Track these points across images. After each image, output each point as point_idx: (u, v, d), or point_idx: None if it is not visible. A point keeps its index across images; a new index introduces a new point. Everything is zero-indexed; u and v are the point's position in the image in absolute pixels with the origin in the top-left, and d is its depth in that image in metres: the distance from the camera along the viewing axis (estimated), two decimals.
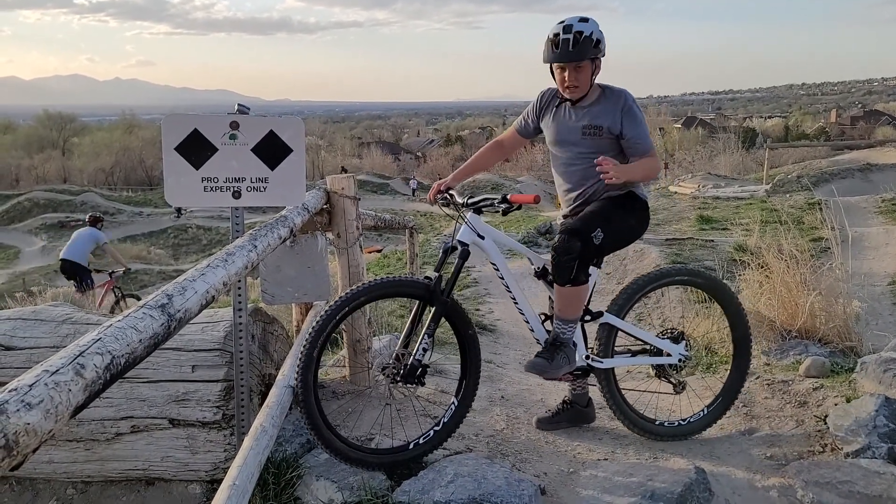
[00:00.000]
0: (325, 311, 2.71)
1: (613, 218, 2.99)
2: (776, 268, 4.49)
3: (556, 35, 2.87)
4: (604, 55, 2.94)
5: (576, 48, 2.84)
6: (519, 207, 2.90)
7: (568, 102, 3.05)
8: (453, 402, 2.95)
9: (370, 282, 2.80)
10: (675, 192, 17.07)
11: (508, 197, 2.94)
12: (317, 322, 2.69)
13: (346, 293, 2.75)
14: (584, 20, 2.88)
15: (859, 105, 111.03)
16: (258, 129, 2.78)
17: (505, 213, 2.94)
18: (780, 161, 28.62)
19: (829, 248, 5.02)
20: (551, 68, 2.98)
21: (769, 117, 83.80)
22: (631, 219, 3.08)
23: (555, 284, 2.97)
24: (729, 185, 18.51)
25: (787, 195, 14.27)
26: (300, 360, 2.65)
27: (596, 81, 3.00)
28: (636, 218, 3.11)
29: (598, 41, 2.88)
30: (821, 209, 9.43)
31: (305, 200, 3.07)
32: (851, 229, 5.74)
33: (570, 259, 2.87)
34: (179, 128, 2.70)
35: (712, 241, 9.01)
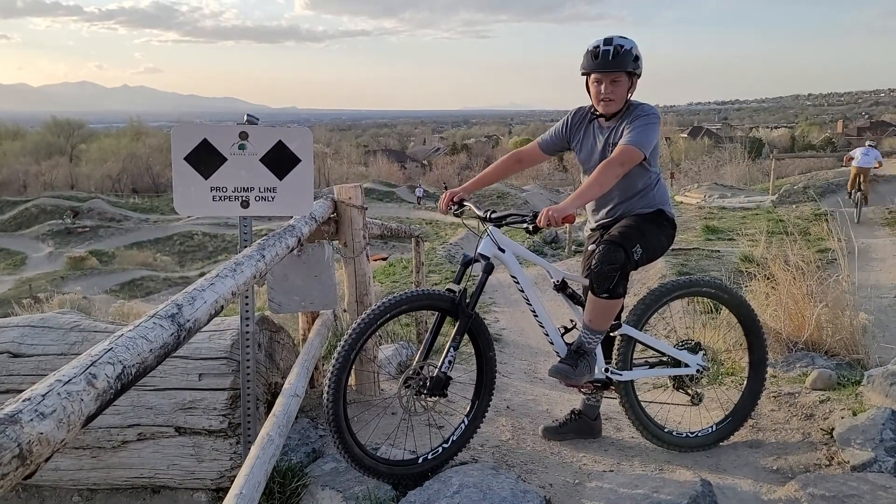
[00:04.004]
0: (365, 317, 2.71)
1: (648, 234, 3.01)
2: (782, 279, 4.48)
3: (597, 47, 2.90)
4: (640, 74, 2.96)
5: (615, 59, 2.87)
6: (549, 225, 2.85)
7: (597, 121, 3.07)
8: (463, 422, 2.96)
9: (409, 292, 2.82)
10: (681, 202, 17.07)
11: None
12: (357, 325, 2.70)
13: (389, 300, 2.76)
14: (625, 38, 2.93)
15: (866, 116, 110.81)
16: (267, 139, 2.79)
17: (534, 231, 2.84)
18: (786, 171, 28.60)
19: (836, 260, 5.00)
20: (587, 83, 3.01)
21: (775, 127, 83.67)
22: (662, 236, 3.10)
23: (590, 294, 2.96)
24: (735, 196, 18.51)
25: (794, 206, 14.26)
26: (336, 360, 2.66)
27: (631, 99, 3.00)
28: (665, 235, 3.13)
29: (637, 57, 2.91)
30: (827, 220, 9.42)
31: (313, 210, 3.08)
32: (858, 241, 5.71)
33: (613, 269, 2.86)
34: (189, 137, 2.72)
35: (718, 251, 9.01)
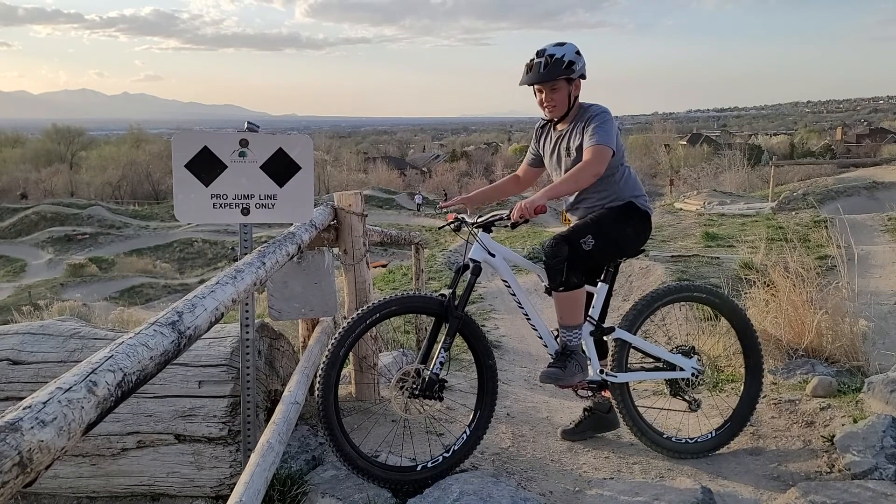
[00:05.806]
0: (356, 315, 2.78)
1: (606, 226, 3.10)
2: (782, 286, 4.47)
3: (531, 60, 3.08)
4: (580, 76, 3.09)
5: (546, 70, 3.04)
6: (527, 221, 2.94)
7: (553, 126, 3.24)
8: (465, 432, 2.96)
9: (399, 294, 2.92)
10: (681, 209, 17.09)
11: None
12: (347, 323, 2.77)
13: (378, 301, 2.84)
14: (561, 44, 3.07)
15: (865, 123, 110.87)
16: (267, 146, 2.80)
17: (514, 226, 2.99)
18: (785, 178, 28.60)
19: (836, 267, 5.00)
20: (535, 93, 3.17)
21: (774, 134, 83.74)
22: (626, 227, 3.17)
23: (552, 291, 3.05)
24: (735, 202, 18.51)
25: (793, 212, 14.27)
26: (326, 357, 2.72)
27: (580, 101, 3.16)
28: (633, 227, 3.20)
29: (572, 62, 3.04)
30: (827, 227, 9.43)
31: (313, 217, 3.09)
32: (857, 247, 5.71)
33: (559, 262, 2.97)
34: (190, 145, 2.73)
35: (718, 258, 9.00)
